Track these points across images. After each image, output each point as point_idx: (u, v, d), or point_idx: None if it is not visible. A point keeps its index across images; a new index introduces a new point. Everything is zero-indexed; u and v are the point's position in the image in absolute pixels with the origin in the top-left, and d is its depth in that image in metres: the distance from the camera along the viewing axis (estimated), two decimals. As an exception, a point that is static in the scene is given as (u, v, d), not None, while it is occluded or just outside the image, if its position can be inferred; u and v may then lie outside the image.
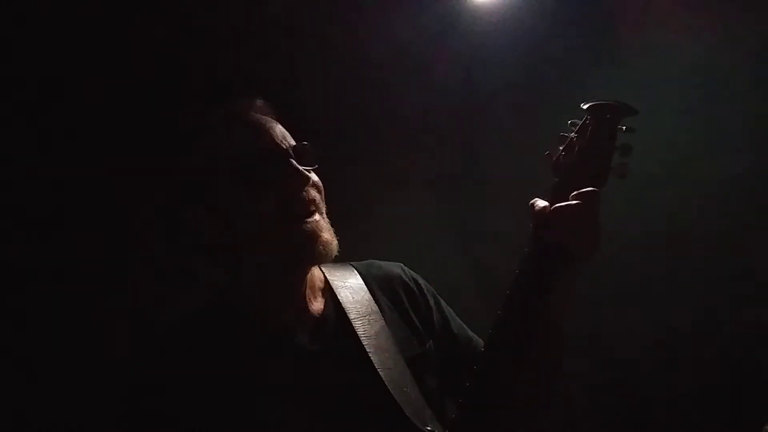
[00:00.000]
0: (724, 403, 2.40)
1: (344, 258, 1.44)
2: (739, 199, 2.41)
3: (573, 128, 1.27)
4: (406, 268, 1.56)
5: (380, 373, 1.31)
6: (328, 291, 1.44)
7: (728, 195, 2.40)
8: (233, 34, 2.26)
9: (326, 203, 1.40)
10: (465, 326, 1.55)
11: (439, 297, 1.56)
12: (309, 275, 1.42)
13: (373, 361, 1.32)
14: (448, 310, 1.55)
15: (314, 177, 1.38)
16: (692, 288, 2.43)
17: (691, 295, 2.43)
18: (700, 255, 2.44)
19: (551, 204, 1.25)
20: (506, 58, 2.48)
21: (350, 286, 1.45)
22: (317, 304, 1.41)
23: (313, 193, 1.35)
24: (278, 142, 1.35)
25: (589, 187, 1.23)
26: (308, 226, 1.32)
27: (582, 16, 2.45)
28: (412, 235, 2.44)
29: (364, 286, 1.46)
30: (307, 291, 1.41)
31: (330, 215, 1.39)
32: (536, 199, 1.29)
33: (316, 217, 1.34)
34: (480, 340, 1.49)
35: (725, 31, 2.35)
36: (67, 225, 2.10)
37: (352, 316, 1.38)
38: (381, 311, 1.42)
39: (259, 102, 1.44)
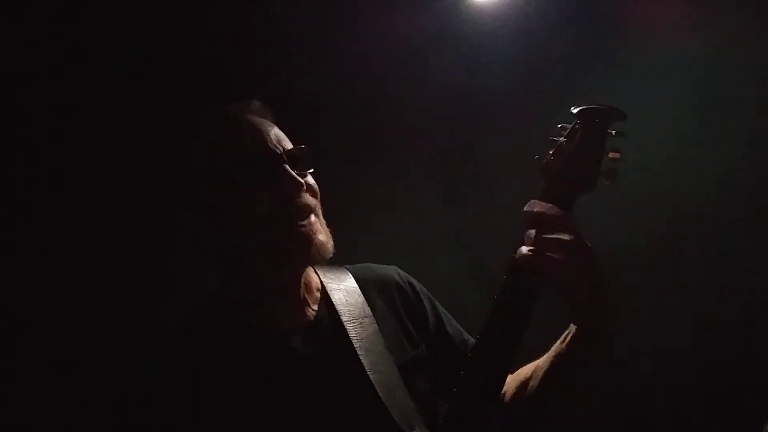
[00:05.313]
0: (725, 404, 2.40)
1: (342, 260, 1.45)
2: (739, 200, 2.40)
3: (562, 132, 1.26)
4: (401, 271, 1.55)
5: (370, 376, 1.31)
6: (323, 293, 1.44)
7: (728, 195, 2.39)
8: (231, 34, 2.26)
9: (324, 205, 1.39)
10: (461, 329, 1.54)
11: (434, 300, 1.55)
12: (304, 277, 1.41)
13: (364, 364, 1.32)
14: (444, 313, 1.54)
15: (310, 180, 1.37)
16: (692, 288, 2.42)
17: (690, 295, 2.43)
18: (699, 255, 2.43)
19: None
20: (507, 58, 2.47)
21: (344, 289, 1.44)
22: (312, 307, 1.41)
23: (308, 197, 1.34)
24: (272, 146, 1.33)
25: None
26: (303, 228, 1.31)
27: (582, 17, 2.45)
28: (412, 236, 2.44)
29: (358, 289, 1.45)
30: (303, 293, 1.40)
31: (328, 217, 1.39)
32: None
33: (312, 218, 1.33)
34: None
35: (726, 31, 2.34)
36: (65, 226, 2.11)
37: (344, 318, 1.38)
38: (374, 315, 1.42)
39: (256, 103, 1.42)
